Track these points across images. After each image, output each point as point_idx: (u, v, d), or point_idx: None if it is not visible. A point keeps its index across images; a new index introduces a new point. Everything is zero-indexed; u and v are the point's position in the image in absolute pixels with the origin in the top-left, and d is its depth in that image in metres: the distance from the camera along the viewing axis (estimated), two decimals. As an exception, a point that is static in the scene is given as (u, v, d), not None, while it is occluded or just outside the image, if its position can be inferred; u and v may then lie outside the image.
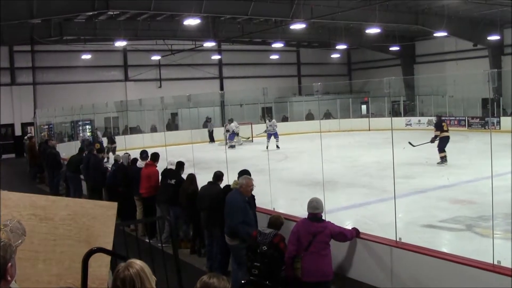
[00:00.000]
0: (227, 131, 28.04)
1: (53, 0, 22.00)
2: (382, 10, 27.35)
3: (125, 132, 31.76)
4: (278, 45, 36.73)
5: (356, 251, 7.10)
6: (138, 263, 3.03)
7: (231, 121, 28.99)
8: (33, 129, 31.14)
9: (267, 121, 27.68)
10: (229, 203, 7.92)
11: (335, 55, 44.42)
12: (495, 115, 30.25)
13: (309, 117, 37.49)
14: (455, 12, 30.64)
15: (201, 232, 9.88)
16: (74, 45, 32.87)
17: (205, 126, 32.88)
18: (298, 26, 27.14)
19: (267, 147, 25.20)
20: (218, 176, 9.42)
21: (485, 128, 30.28)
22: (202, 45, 33.09)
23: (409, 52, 41.62)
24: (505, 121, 29.55)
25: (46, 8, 21.91)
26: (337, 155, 22.32)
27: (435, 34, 33.95)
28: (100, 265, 4.17)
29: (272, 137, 26.54)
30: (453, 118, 32.68)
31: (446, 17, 30.75)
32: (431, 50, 40.08)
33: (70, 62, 34.29)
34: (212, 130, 31.94)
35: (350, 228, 7.26)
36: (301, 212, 7.17)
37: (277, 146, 26.31)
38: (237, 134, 28.65)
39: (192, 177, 10.31)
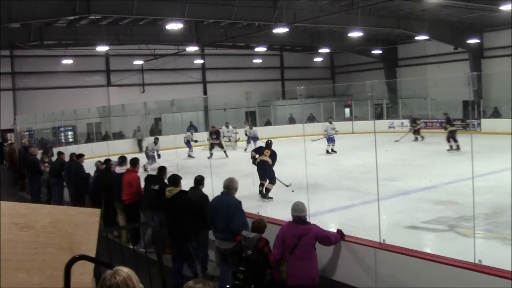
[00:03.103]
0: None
1: (33, 4, 21.62)
2: (364, 14, 27.50)
3: (106, 138, 31.58)
4: (261, 49, 36.80)
5: (341, 253, 7.12)
6: (125, 271, 3.01)
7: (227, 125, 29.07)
8: (13, 136, 30.89)
9: (247, 127, 28.38)
10: (227, 206, 7.84)
11: (318, 59, 44.57)
12: (476, 117, 30.49)
13: (291, 120, 37.58)
14: (436, 16, 30.93)
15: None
16: (55, 50, 32.54)
17: (134, 135, 32.21)
18: (281, 30, 27.16)
19: (245, 150, 26.60)
20: (199, 180, 9.37)
21: (466, 130, 30.50)
22: (185, 50, 33.04)
23: (392, 55, 41.90)
24: (485, 123, 29.84)
25: (26, 12, 21.62)
26: (321, 159, 22.43)
27: (416, 38, 34.27)
28: (83, 273, 4.12)
29: (252, 141, 26.94)
30: (435, 120, 32.89)
31: (427, 21, 31.06)
32: (413, 53, 40.40)
33: (51, 67, 34.00)
34: (141, 139, 30.93)
35: (334, 230, 7.28)
36: (286, 215, 7.19)
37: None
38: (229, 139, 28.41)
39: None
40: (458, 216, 11.17)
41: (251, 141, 27.03)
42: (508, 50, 33.69)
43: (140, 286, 3.04)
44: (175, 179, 8.84)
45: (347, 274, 7.12)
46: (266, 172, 14.31)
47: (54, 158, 19.45)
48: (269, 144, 14.89)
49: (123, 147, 26.72)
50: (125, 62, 36.06)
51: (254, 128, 28.62)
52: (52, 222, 4.24)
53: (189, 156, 26.02)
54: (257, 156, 14.56)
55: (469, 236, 8.97)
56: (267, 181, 14.23)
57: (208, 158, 24.27)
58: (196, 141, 25.52)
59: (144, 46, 33.76)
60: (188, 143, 26.36)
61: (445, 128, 23.57)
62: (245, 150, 26.76)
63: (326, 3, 26.86)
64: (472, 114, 30.86)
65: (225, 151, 25.93)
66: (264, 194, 14.22)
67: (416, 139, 27.59)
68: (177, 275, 8.45)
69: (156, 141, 22.88)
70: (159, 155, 22.43)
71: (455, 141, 22.65)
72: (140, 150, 28.54)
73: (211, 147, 25.53)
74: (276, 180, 14.52)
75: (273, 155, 14.55)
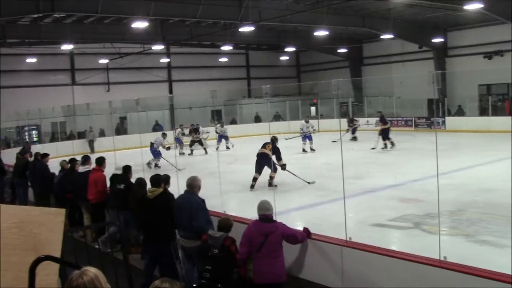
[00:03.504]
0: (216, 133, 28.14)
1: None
2: (330, 13, 27.67)
3: (71, 138, 31.20)
4: (227, 47, 36.76)
5: (308, 251, 7.13)
6: (92, 271, 2.96)
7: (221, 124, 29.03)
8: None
9: (218, 125, 28.36)
10: (190, 204, 7.76)
11: (284, 58, 44.74)
12: (440, 115, 30.93)
13: (257, 119, 37.64)
14: (401, 16, 31.29)
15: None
16: (19, 48, 32.10)
17: (85, 135, 31.27)
18: (247, 29, 27.17)
19: (217, 148, 26.67)
20: (165, 179, 9.33)
21: (431, 128, 30.95)
22: (151, 48, 32.83)
23: (357, 54, 42.24)
24: (450, 121, 30.28)
25: (-13, 9, 21.25)
26: (287, 157, 22.46)
27: (381, 37, 34.58)
28: (49, 274, 4.06)
29: (223, 139, 27.59)
30: (400, 118, 33.32)
31: (392, 20, 31.37)
32: (378, 52, 40.77)
33: (15, 66, 33.34)
34: (93, 140, 30.42)
35: (301, 228, 7.29)
36: (252, 214, 7.18)
37: (227, 147, 27.59)
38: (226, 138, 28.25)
39: (141, 181, 10.22)
40: (423, 213, 11.29)
41: (222, 139, 27.58)
42: (472, 49, 34.28)
43: (107, 286, 2.99)
44: (157, 180, 8.75)
45: (314, 272, 7.13)
46: (262, 164, 15.58)
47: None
48: (272, 140, 15.95)
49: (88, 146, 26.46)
50: (90, 61, 35.68)
51: (224, 126, 28.81)
52: (15, 222, 4.16)
53: (181, 153, 25.90)
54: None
55: (434, 233, 9.06)
56: (271, 170, 15.39)
57: (189, 155, 25.50)
58: (168, 148, 22.76)
59: (109, 45, 33.51)
60: (178, 139, 26.45)
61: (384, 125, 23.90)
62: (217, 148, 26.80)
63: (292, 2, 26.94)
64: (436, 112, 31.31)
65: (205, 148, 26.36)
66: (270, 183, 15.58)
67: (354, 139, 28.00)
68: (150, 275, 8.39)
69: (164, 136, 22.52)
70: (169, 148, 22.27)
71: (388, 138, 23.30)
72: (92, 151, 27.74)
73: (192, 144, 26.04)
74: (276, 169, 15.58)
75: (276, 150, 15.59)
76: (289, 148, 22.48)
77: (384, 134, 23.24)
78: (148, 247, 8.52)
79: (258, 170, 15.61)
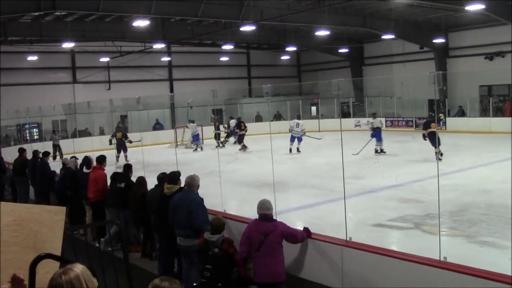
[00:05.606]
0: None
1: (-4, -1, 21.27)
2: (331, 12, 27.62)
3: (73, 135, 31.10)
4: (228, 47, 36.70)
5: (308, 251, 7.13)
6: (75, 270, 2.92)
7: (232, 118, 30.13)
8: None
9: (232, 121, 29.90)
10: (189, 203, 7.74)
11: (285, 57, 44.67)
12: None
13: (258, 118, 37.62)
14: (402, 16, 31.26)
15: (152, 235, 9.79)
16: (20, 46, 32.05)
17: (51, 138, 28.45)
18: (247, 28, 27.18)
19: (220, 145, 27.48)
20: (161, 178, 9.33)
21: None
22: (152, 47, 32.81)
23: (358, 54, 42.21)
24: (450, 121, 30.26)
25: (-11, 7, 21.22)
26: (287, 156, 22.49)
27: (382, 37, 34.53)
28: (48, 272, 4.05)
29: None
30: (401, 119, 33.34)
31: (393, 21, 31.34)
32: (379, 52, 40.71)
33: (16, 63, 33.29)
34: (58, 144, 27.42)
35: (301, 227, 7.29)
36: (252, 213, 7.18)
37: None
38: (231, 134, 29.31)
39: (141, 180, 10.23)
40: (423, 214, 11.29)
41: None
42: (473, 50, 34.26)
43: (93, 281, 2.95)
44: (174, 176, 8.75)
45: (314, 272, 7.13)
46: None
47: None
48: None
49: (89, 145, 26.37)
50: (91, 59, 35.60)
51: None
52: (15, 220, 4.17)
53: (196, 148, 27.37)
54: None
55: (434, 233, 9.05)
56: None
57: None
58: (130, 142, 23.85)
59: (110, 43, 33.45)
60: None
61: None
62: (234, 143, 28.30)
63: (293, 1, 26.93)
64: (437, 113, 31.29)
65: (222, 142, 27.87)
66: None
67: (236, 143, 27.73)
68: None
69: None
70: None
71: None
72: (55, 157, 25.04)
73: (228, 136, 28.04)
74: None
75: None
76: (281, 148, 22.60)
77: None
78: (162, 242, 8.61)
79: None
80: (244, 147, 25.90)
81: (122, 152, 23.55)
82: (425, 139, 19.60)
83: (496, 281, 5.18)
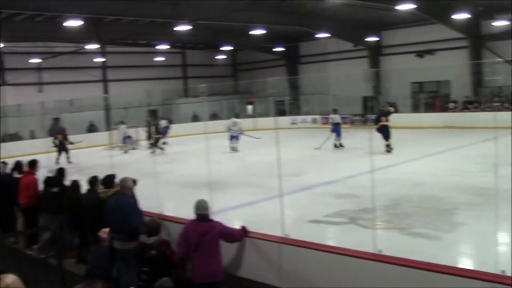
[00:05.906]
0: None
1: None
2: (266, 11, 27.74)
3: (5, 139, 30.14)
4: (163, 47, 36.39)
5: (245, 249, 7.13)
6: (5, 280, 2.83)
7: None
8: None
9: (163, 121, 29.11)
10: (124, 206, 7.68)
11: (221, 56, 44.62)
12: (375, 112, 31.48)
13: (195, 118, 37.46)
14: (336, 15, 31.67)
15: (88, 240, 9.60)
16: None
17: None
18: (183, 28, 26.99)
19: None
20: (92, 182, 9.20)
21: (365, 125, 31.47)
22: (85, 48, 32.18)
23: (293, 53, 42.60)
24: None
25: None
26: (225, 156, 22.48)
27: (317, 36, 34.94)
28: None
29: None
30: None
31: (328, 19, 31.76)
32: (314, 50, 41.14)
33: None
34: None
35: (238, 226, 7.29)
36: (190, 214, 7.12)
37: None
38: None
39: (75, 184, 10.01)
40: (359, 208, 11.45)
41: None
42: (405, 48, 35.08)
43: None
44: (109, 180, 8.58)
45: (252, 270, 7.14)
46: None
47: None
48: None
49: (19, 149, 25.64)
50: (21, 60, 34.49)
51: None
52: None
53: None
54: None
55: (370, 227, 9.22)
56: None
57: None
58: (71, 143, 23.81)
59: (42, 44, 32.58)
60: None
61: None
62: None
63: (228, 0, 26.89)
64: (371, 109, 31.91)
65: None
66: None
67: (152, 146, 26.61)
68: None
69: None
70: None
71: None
72: None
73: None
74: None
75: None
76: (219, 148, 22.64)
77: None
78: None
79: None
80: (160, 148, 25.85)
81: (64, 153, 23.15)
82: (379, 133, 20.30)
83: (430, 271, 5.32)
